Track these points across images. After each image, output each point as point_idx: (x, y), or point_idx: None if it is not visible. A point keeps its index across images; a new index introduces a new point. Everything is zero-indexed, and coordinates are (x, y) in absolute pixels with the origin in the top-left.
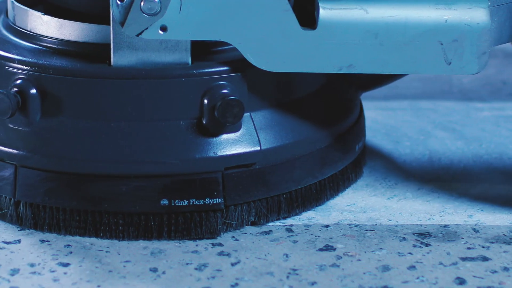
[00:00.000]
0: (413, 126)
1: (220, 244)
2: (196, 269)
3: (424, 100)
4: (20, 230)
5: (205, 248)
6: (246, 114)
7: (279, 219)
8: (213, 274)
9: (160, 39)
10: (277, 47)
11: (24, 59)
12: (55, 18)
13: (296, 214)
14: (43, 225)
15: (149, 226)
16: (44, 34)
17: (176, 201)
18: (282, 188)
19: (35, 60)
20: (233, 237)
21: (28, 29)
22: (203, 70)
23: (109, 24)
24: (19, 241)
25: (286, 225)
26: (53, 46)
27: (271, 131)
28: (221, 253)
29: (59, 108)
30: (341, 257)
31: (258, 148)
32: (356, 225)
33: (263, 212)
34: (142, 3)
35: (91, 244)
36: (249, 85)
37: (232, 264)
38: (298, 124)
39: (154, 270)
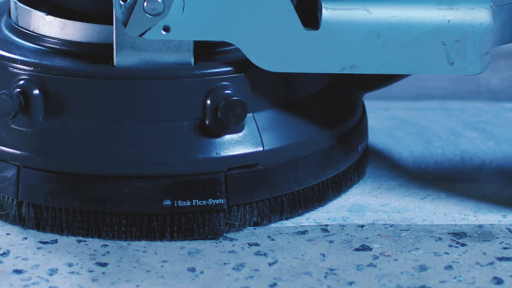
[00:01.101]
0: (443, 126)
1: (257, 244)
2: (233, 269)
3: (453, 101)
4: None
5: (241, 248)
6: (249, 115)
7: (281, 219)
8: (251, 274)
9: (163, 40)
10: (279, 48)
11: (27, 59)
12: (58, 19)
13: (299, 215)
14: (46, 226)
15: (151, 227)
16: (47, 34)
17: (179, 201)
18: (284, 188)
19: (37, 61)
20: (269, 237)
21: (31, 30)
22: (206, 71)
23: (112, 25)
24: (56, 241)
25: (321, 225)
26: (56, 46)
27: (274, 132)
28: (258, 253)
29: (62, 108)
30: (378, 257)
31: (261, 148)
32: (391, 225)
33: (266, 212)
34: (145, 4)
35: (128, 244)
36: (252, 86)
37: (270, 264)
38: (301, 125)
39: (192, 270)
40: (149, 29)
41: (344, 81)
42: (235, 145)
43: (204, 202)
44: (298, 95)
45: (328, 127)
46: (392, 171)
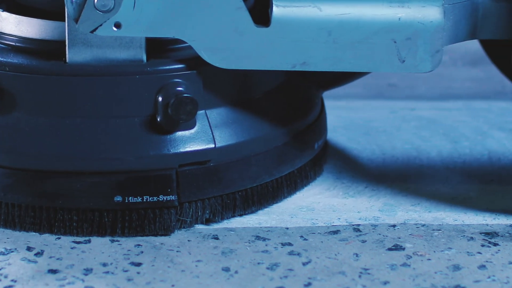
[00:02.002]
0: (470, 126)
1: (290, 244)
2: (268, 268)
3: (478, 101)
4: None
5: (274, 247)
6: (201, 112)
7: (234, 216)
8: (285, 274)
9: (115, 36)
10: (230, 45)
11: None
12: (13, 15)
13: (252, 212)
14: None
15: (103, 223)
16: (2, 31)
17: (130, 197)
18: (237, 185)
19: None
20: (301, 236)
21: None
22: (158, 68)
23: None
24: (89, 241)
25: (353, 225)
26: (11, 43)
27: (227, 129)
28: (291, 253)
29: (16, 105)
30: (411, 257)
31: (213, 145)
32: (423, 225)
33: (218, 209)
34: (95, 0)
35: (161, 243)
36: (205, 83)
37: (304, 264)
38: (254, 122)
39: (227, 269)
40: (101, 25)
41: (300, 79)
42: (186, 141)
43: (155, 198)
44: (252, 92)
45: (282, 124)
46: (421, 170)
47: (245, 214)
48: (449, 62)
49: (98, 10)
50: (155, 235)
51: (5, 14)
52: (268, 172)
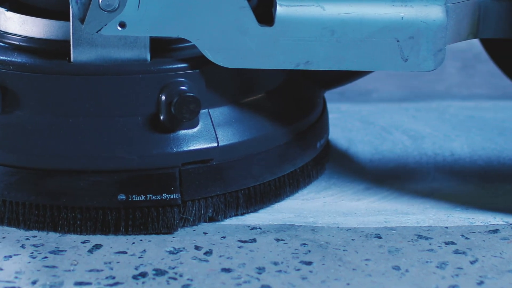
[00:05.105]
0: None
1: (453, 243)
2: (437, 267)
3: None
4: (252, 229)
5: (439, 246)
6: (204, 111)
7: (237, 215)
8: (456, 272)
9: (119, 36)
10: (234, 44)
11: None
12: (18, 14)
13: (255, 211)
14: (3, 219)
15: (106, 221)
16: (7, 30)
17: (133, 196)
18: (240, 184)
19: None
20: (462, 235)
21: None
22: (161, 67)
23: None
24: (254, 240)
25: (510, 224)
26: (15, 42)
27: (230, 128)
28: (456, 251)
29: (19, 103)
30: None
31: (216, 144)
32: None
33: (221, 207)
34: (100, 0)
35: (326, 243)
36: (208, 82)
37: (471, 262)
38: (257, 121)
39: (397, 268)
40: (105, 25)
41: (303, 78)
42: (189, 140)
43: (158, 196)
44: (255, 91)
45: (285, 123)
46: None
47: (248, 213)
48: None
49: (103, 10)
50: (158, 233)
51: (10, 14)
52: (271, 171)
